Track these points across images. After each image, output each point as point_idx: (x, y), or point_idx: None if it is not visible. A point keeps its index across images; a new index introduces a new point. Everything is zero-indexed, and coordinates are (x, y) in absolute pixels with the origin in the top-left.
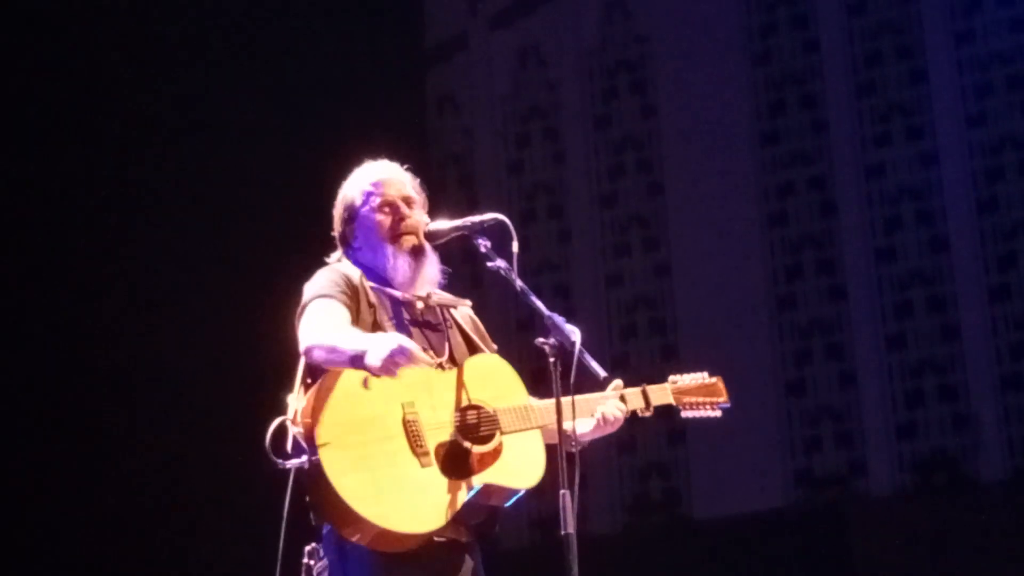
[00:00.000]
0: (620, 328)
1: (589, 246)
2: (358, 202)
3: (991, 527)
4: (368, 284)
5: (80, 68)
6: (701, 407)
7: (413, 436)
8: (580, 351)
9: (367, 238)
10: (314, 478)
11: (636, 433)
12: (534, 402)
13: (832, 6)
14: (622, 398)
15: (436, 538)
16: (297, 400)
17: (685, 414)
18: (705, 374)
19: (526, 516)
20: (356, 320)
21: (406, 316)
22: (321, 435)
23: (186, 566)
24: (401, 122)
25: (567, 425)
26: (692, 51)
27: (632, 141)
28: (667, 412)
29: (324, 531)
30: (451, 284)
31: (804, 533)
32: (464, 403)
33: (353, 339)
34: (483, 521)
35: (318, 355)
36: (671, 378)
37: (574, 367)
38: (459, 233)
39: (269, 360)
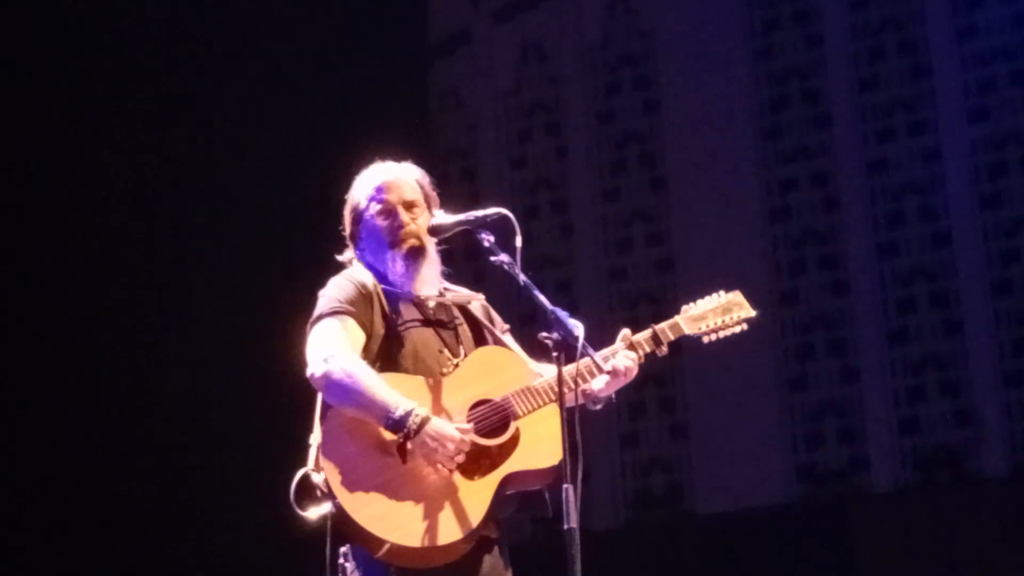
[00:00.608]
0: (623, 323)
1: (592, 241)
2: (362, 205)
3: (993, 523)
4: (380, 289)
5: (82, 68)
6: (722, 328)
7: None
8: (583, 345)
9: (370, 241)
10: (342, 519)
11: (638, 428)
12: (541, 377)
13: (835, 1)
14: (631, 346)
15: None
16: (315, 438)
17: (706, 339)
18: (721, 292)
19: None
20: (370, 331)
21: (420, 317)
22: (339, 481)
23: (187, 567)
24: (404, 117)
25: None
26: (695, 46)
27: (635, 136)
28: (671, 404)
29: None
30: (455, 280)
31: (806, 528)
32: (472, 401)
33: (378, 403)
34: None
35: (334, 395)
36: (683, 307)
37: (577, 362)
38: (462, 228)
39: (274, 361)
